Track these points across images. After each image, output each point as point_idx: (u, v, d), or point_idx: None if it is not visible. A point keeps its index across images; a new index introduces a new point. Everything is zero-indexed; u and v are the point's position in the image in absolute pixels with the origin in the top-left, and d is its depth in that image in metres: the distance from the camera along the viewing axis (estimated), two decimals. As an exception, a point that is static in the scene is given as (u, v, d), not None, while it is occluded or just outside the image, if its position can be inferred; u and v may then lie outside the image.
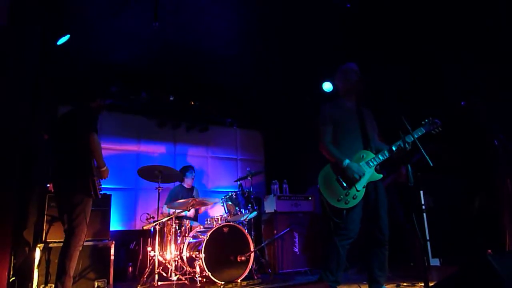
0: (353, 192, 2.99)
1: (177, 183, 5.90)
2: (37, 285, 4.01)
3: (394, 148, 3.08)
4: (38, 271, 4.04)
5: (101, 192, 3.51)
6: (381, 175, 3.09)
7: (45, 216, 4.25)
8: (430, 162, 2.68)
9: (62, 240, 4.19)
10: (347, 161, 2.99)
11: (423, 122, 3.20)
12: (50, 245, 4.18)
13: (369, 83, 3.21)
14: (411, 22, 4.74)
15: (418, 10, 4.58)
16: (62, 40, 4.61)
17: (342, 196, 2.98)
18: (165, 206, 5.55)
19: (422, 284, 3.56)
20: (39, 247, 4.11)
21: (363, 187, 3.02)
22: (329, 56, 5.24)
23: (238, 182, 5.25)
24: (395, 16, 4.70)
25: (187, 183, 5.83)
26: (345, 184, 2.99)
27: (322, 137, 3.17)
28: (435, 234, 5.49)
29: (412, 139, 2.94)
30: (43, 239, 4.19)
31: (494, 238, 4.67)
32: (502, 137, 4.13)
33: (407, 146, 2.95)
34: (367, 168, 3.05)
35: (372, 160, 3.07)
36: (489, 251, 4.30)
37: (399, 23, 4.79)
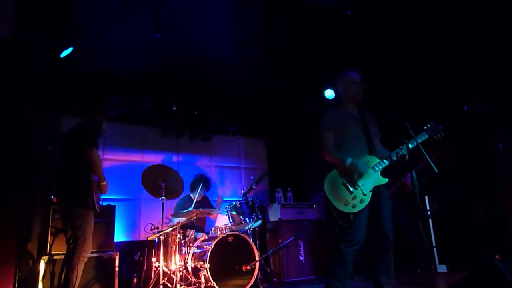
0: (360, 196, 2.99)
1: (186, 193, 5.85)
2: (42, 298, 3.99)
3: (399, 152, 3.08)
4: (42, 283, 4.02)
5: (101, 204, 3.61)
6: (387, 179, 3.09)
7: (50, 228, 4.24)
8: (434, 168, 2.67)
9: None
10: (349, 160, 3.00)
11: (425, 127, 3.20)
12: (55, 257, 4.16)
13: (369, 91, 3.23)
14: (414, 25, 4.75)
15: (422, 13, 4.59)
16: (66, 53, 4.65)
17: (349, 200, 2.97)
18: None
19: (430, 291, 3.52)
20: (44, 260, 4.09)
21: (370, 191, 3.02)
22: (331, 63, 5.26)
23: (242, 191, 5.22)
24: (398, 19, 4.71)
25: (198, 195, 5.70)
26: (351, 189, 2.99)
27: (324, 143, 3.19)
28: (441, 239, 5.45)
29: (415, 144, 2.95)
30: (48, 251, 4.17)
31: (501, 243, 4.63)
32: (507, 141, 4.11)
33: (405, 154, 2.97)
34: (373, 172, 3.06)
35: (377, 164, 3.08)
36: (497, 256, 4.26)
37: (402, 27, 4.80)
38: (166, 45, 4.92)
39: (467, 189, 5.23)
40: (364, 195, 3.00)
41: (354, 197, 2.98)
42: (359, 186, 3.01)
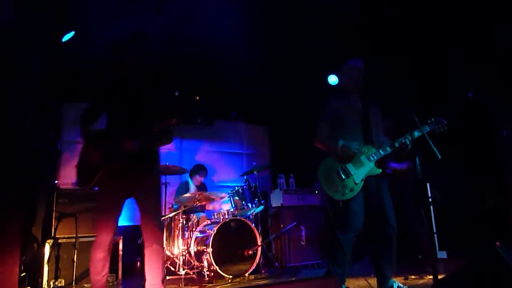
0: (351, 184, 3.01)
1: (185, 179, 5.89)
2: (47, 281, 4.05)
3: (396, 145, 3.07)
4: (48, 266, 4.08)
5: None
6: (380, 170, 3.10)
7: (54, 212, 4.28)
8: (438, 154, 2.67)
9: (71, 235, 4.26)
10: (341, 142, 3.03)
11: (428, 121, 3.16)
12: (59, 240, 4.22)
13: (372, 80, 3.21)
14: (419, 14, 4.70)
15: (427, 3, 4.53)
16: (67, 37, 4.61)
17: (339, 188, 3.01)
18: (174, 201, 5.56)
19: (430, 276, 3.56)
20: (49, 243, 4.15)
21: (362, 180, 3.04)
22: (334, 49, 5.22)
23: (245, 177, 5.25)
24: (403, 9, 4.66)
25: (196, 180, 5.79)
26: (343, 176, 3.01)
27: (318, 132, 3.23)
28: (442, 226, 5.49)
29: (419, 134, 2.95)
30: (52, 235, 4.23)
31: (501, 230, 4.66)
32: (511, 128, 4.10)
33: (408, 142, 2.97)
34: (367, 162, 3.07)
35: (372, 154, 3.09)
36: (498, 243, 4.29)
37: (407, 16, 4.75)
38: (168, 31, 4.88)
39: (470, 176, 5.24)
40: (356, 184, 3.02)
41: (345, 186, 3.01)
42: (351, 175, 3.02)
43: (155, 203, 2.76)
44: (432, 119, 3.16)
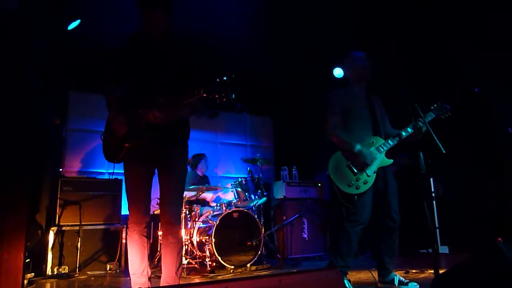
0: (364, 177, 3.00)
1: (189, 170, 5.91)
2: (51, 267, 4.10)
3: (403, 134, 3.07)
4: (52, 253, 4.13)
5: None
6: (391, 160, 3.09)
7: (58, 200, 4.32)
8: (442, 149, 2.66)
9: (75, 223, 4.31)
10: (358, 147, 3.01)
11: (432, 107, 3.17)
12: (63, 228, 4.26)
13: (376, 70, 3.20)
14: (426, 7, 4.66)
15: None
16: (73, 25, 4.61)
17: (353, 182, 2.99)
18: None
19: (431, 271, 3.57)
20: (53, 230, 4.19)
21: (374, 173, 3.03)
22: (340, 42, 5.18)
23: (248, 168, 5.25)
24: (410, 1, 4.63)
25: (201, 170, 5.83)
26: (355, 170, 3.00)
27: (331, 126, 3.18)
28: (444, 221, 5.49)
29: (424, 124, 2.93)
30: (56, 222, 4.27)
31: (504, 226, 4.66)
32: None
33: (421, 125, 2.93)
34: (378, 153, 3.07)
35: (382, 145, 3.08)
36: (499, 239, 4.29)
37: (414, 8, 4.70)
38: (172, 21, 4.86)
39: (473, 172, 5.23)
40: (368, 176, 3.01)
41: (358, 179, 3.00)
42: (365, 172, 3.02)
43: (175, 190, 2.58)
44: (435, 105, 3.16)
